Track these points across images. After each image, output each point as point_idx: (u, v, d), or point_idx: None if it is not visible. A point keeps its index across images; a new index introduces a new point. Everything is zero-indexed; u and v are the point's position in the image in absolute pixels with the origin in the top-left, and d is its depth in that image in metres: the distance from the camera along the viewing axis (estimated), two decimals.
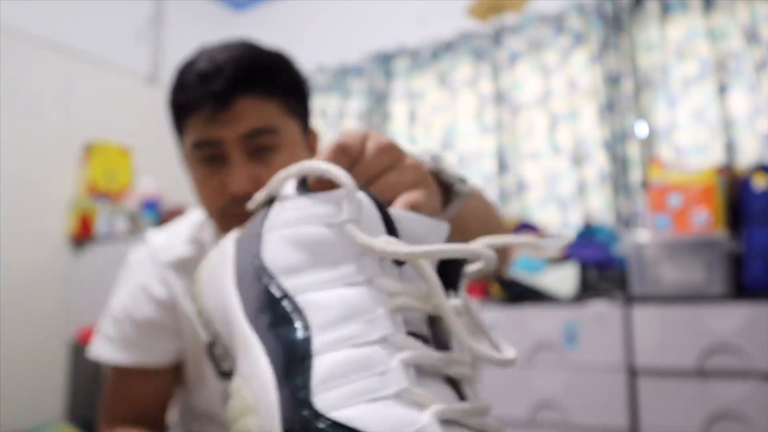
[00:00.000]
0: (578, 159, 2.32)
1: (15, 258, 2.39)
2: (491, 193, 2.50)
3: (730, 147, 2.00)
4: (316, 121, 3.09)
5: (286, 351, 0.26)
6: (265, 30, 3.51)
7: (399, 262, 0.29)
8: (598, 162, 2.28)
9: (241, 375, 0.28)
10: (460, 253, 0.28)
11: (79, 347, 2.43)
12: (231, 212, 0.63)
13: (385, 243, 0.27)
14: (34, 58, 2.54)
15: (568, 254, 1.96)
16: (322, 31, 3.26)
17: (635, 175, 2.18)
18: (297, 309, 0.28)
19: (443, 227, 0.31)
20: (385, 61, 2.85)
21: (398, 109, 2.83)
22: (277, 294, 0.28)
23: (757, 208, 1.58)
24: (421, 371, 0.26)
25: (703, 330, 1.48)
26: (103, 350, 0.72)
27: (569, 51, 2.39)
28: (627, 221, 2.13)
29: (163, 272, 0.71)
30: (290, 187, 0.32)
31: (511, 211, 2.41)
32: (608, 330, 1.61)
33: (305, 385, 0.25)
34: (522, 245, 0.32)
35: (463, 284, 0.31)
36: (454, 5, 2.75)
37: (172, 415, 0.81)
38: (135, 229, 2.56)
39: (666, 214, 1.69)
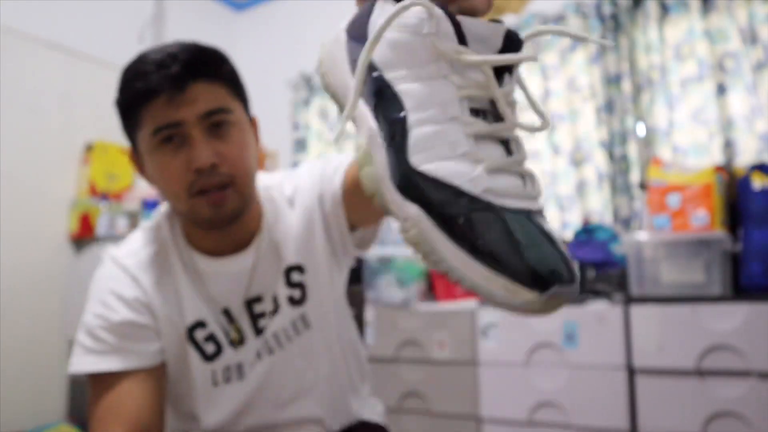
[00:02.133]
0: (577, 159, 2.32)
1: (16, 257, 2.39)
2: None
3: (728, 147, 2.01)
4: (316, 122, 3.09)
5: (390, 124, 0.38)
6: (265, 30, 3.51)
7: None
8: (598, 162, 2.28)
9: (362, 136, 0.41)
10: (509, 60, 0.38)
11: None
12: (198, 186, 0.67)
13: (455, 51, 0.37)
14: (36, 59, 2.54)
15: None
16: (322, 31, 3.25)
17: (634, 175, 2.18)
18: (396, 95, 0.39)
19: (501, 27, 0.39)
20: None
21: None
22: (382, 83, 0.39)
23: (756, 207, 1.58)
24: (479, 138, 0.37)
25: (701, 329, 1.49)
26: (85, 362, 0.69)
27: (568, 52, 2.40)
28: (626, 221, 2.14)
29: (131, 274, 0.73)
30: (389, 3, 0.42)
31: None
32: (607, 330, 1.61)
33: (403, 149, 0.37)
34: (557, 32, 0.40)
35: (516, 69, 0.41)
36: None
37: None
38: (135, 229, 2.56)
39: (665, 213, 1.69)
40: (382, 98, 0.39)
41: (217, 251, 0.75)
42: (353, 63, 0.42)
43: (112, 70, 2.95)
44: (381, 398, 1.90)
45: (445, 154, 0.36)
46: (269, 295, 0.76)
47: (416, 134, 0.37)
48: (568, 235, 2.22)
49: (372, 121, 0.40)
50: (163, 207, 0.80)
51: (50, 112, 2.58)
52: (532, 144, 2.46)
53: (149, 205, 2.57)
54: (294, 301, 0.78)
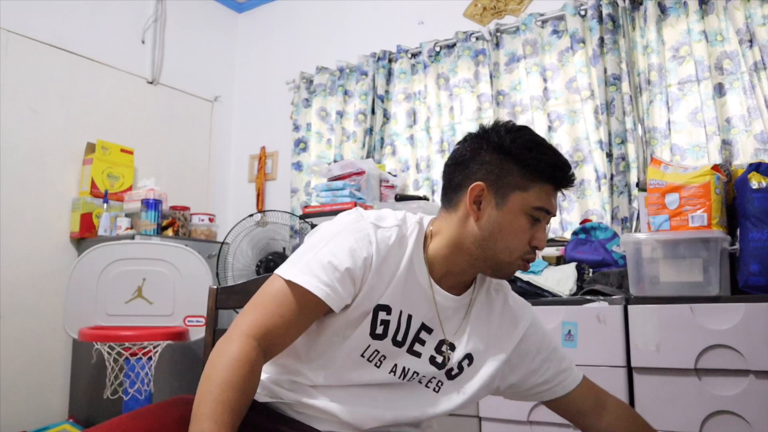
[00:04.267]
0: (577, 159, 2.34)
1: (19, 257, 2.40)
2: None
3: (726, 147, 2.02)
4: (317, 122, 3.09)
5: None
6: (265, 30, 3.52)
7: None
8: (597, 162, 2.30)
9: None
10: None
11: (80, 345, 2.44)
12: (527, 256, 0.91)
13: None
14: (38, 60, 2.55)
15: (567, 254, 1.97)
16: (323, 32, 3.27)
17: (633, 176, 2.19)
18: None
19: None
20: (385, 61, 2.87)
21: (398, 110, 2.84)
22: None
23: (753, 208, 1.59)
24: None
25: (699, 329, 1.50)
26: (298, 275, 0.83)
27: (568, 53, 2.41)
28: (625, 221, 2.15)
29: (373, 240, 0.87)
30: None
31: None
32: (606, 329, 1.62)
33: None
34: None
35: None
36: (454, 7, 2.76)
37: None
38: (136, 229, 2.57)
39: (663, 213, 1.71)
40: None
41: (441, 281, 0.92)
42: None
43: (114, 72, 2.96)
44: None
45: None
46: (437, 339, 0.93)
47: None
48: (567, 235, 2.23)
49: None
50: (417, 219, 0.94)
51: (52, 113, 2.58)
52: None
53: (149, 205, 2.58)
54: (450, 372, 0.94)
